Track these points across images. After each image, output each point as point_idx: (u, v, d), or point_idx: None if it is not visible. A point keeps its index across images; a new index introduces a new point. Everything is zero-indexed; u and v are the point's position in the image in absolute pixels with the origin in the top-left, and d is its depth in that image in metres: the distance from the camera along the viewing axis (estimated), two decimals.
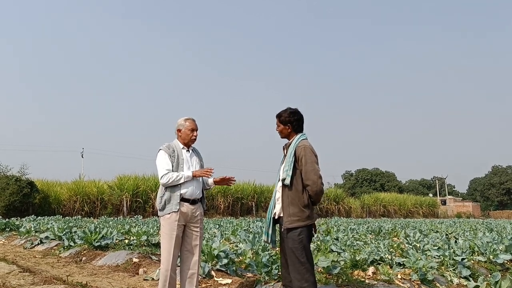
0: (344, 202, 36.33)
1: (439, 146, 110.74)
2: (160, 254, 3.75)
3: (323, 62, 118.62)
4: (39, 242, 8.15)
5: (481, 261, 6.33)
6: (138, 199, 23.80)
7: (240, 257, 5.79)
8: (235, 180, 3.92)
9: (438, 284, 4.90)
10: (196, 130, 3.78)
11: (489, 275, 5.06)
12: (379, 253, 5.93)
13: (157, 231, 8.85)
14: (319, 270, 4.87)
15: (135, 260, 5.74)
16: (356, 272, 5.03)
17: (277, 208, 3.48)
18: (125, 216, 20.94)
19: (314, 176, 3.27)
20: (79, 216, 18.73)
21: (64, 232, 8.30)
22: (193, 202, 3.67)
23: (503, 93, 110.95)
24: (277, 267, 4.49)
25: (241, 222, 14.89)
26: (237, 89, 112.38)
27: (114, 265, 5.79)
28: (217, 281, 4.58)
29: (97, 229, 7.74)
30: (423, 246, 7.08)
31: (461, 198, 68.00)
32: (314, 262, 4.96)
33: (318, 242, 7.29)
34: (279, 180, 3.48)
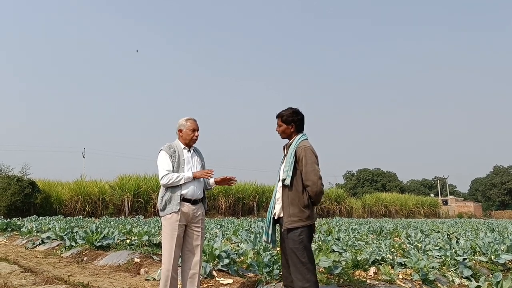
0: (345, 202, 36.29)
1: (440, 146, 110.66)
2: (161, 254, 3.75)
3: (323, 62, 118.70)
4: (41, 242, 8.16)
5: (482, 261, 6.32)
6: (139, 199, 23.82)
7: (242, 257, 5.79)
8: (236, 180, 3.92)
9: (439, 284, 4.89)
10: (197, 130, 3.78)
11: (491, 275, 5.05)
12: (381, 253, 5.93)
13: (159, 231, 8.86)
14: (320, 270, 4.87)
15: (136, 260, 5.75)
16: (357, 272, 5.03)
17: (277, 208, 3.47)
18: (127, 216, 20.95)
19: (314, 177, 3.27)
20: (81, 216, 18.76)
21: (66, 232, 8.31)
22: (194, 202, 3.68)
23: (505, 92, 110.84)
24: (278, 267, 4.48)
25: (242, 222, 14.90)
26: (237, 89, 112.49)
27: (116, 265, 5.79)
28: (219, 281, 4.59)
29: (99, 229, 7.74)
30: (425, 246, 7.07)
31: (462, 198, 67.89)
32: (316, 262, 4.97)
33: (320, 242, 7.29)
34: (279, 180, 3.48)
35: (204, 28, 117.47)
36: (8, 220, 12.93)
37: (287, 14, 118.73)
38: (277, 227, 3.58)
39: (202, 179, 3.78)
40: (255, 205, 28.89)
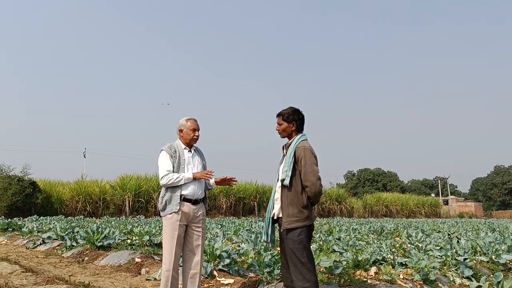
0: (346, 202, 36.29)
1: (441, 146, 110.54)
2: (162, 254, 3.76)
3: (323, 62, 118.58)
4: (42, 242, 8.17)
5: (483, 261, 6.31)
6: (140, 199, 23.84)
7: (242, 257, 5.79)
8: (236, 181, 3.93)
9: (440, 284, 4.89)
10: (198, 130, 3.79)
11: (491, 275, 5.05)
12: (381, 253, 5.93)
13: (159, 231, 8.86)
14: (321, 270, 4.87)
15: (137, 260, 5.75)
16: (358, 272, 5.03)
17: (276, 208, 3.48)
18: (127, 216, 20.96)
19: (313, 178, 3.27)
20: (82, 216, 18.79)
21: (67, 232, 8.32)
22: (195, 202, 3.68)
23: (506, 93, 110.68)
24: (279, 267, 4.48)
25: (243, 222, 14.91)
26: (237, 89, 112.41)
27: (117, 265, 5.80)
28: (219, 281, 4.59)
29: (100, 229, 7.75)
30: (425, 246, 7.07)
31: (463, 198, 67.81)
32: (316, 262, 4.97)
33: (321, 242, 7.29)
34: (278, 180, 3.48)
35: (204, 28, 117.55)
36: (9, 220, 12.94)
37: (287, 14, 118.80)
38: (277, 226, 3.58)
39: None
40: (256, 205, 28.89)
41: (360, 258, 5.45)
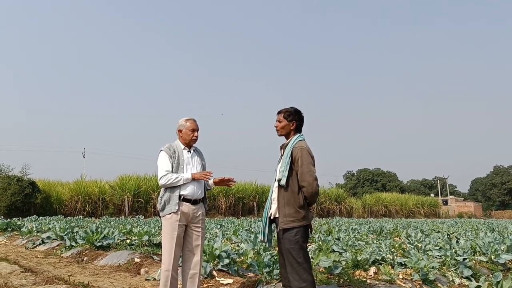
0: (345, 202, 36.31)
1: (441, 146, 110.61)
2: (161, 254, 3.75)
3: (323, 62, 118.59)
4: (41, 242, 8.17)
5: (482, 261, 6.32)
6: (139, 199, 23.84)
7: (242, 257, 5.80)
8: (235, 182, 3.93)
9: (439, 284, 4.89)
10: (197, 131, 3.79)
11: (491, 275, 5.05)
12: (381, 253, 5.93)
13: (159, 231, 8.86)
14: (320, 270, 4.87)
15: (136, 260, 5.75)
16: (357, 272, 5.04)
17: (273, 208, 3.48)
18: (127, 216, 20.96)
19: (309, 178, 3.27)
20: (81, 216, 18.77)
21: (66, 232, 8.32)
22: (194, 202, 3.68)
23: (506, 93, 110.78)
24: (278, 267, 4.48)
25: (242, 222, 14.90)
26: (237, 89, 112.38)
27: (116, 265, 5.80)
28: (219, 281, 4.59)
29: (99, 229, 7.75)
30: (425, 246, 7.07)
31: (462, 198, 67.87)
32: (316, 262, 4.99)
33: (320, 242, 7.29)
34: (275, 180, 3.49)
35: (204, 28, 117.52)
36: (8, 220, 12.93)
37: (287, 14, 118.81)
38: (274, 226, 3.59)
39: None
40: (255, 205, 28.89)
41: (359, 258, 5.45)
